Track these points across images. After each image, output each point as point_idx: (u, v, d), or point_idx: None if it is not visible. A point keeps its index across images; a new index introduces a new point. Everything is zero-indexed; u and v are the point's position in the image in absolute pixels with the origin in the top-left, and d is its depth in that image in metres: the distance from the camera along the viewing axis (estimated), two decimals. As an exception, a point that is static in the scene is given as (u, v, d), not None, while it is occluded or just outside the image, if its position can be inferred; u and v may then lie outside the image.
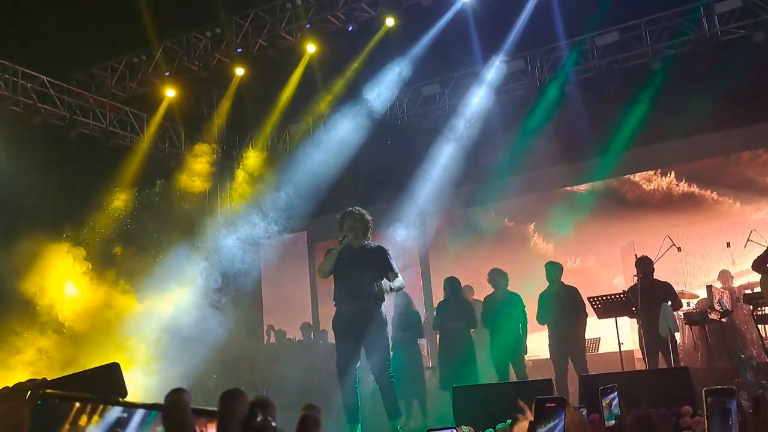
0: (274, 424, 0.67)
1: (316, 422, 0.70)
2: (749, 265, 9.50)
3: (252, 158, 11.93)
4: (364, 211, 6.02)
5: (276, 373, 9.05)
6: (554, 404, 1.90)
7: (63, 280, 9.62)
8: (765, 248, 6.41)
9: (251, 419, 0.65)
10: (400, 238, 10.40)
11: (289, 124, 11.84)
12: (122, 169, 11.33)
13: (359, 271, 5.82)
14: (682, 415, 4.74)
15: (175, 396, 0.64)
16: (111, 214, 10.85)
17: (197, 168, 11.61)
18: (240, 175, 11.88)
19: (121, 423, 0.65)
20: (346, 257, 5.88)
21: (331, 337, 10.44)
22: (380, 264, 5.87)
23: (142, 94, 11.56)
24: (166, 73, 11.18)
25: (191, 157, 11.95)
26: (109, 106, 11.23)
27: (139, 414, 0.66)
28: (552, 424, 1.89)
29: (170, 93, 11.47)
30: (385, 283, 5.94)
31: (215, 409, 0.65)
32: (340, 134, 10.93)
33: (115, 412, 0.65)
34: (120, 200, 11.11)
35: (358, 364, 5.85)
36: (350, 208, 6.05)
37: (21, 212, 9.04)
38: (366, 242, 5.93)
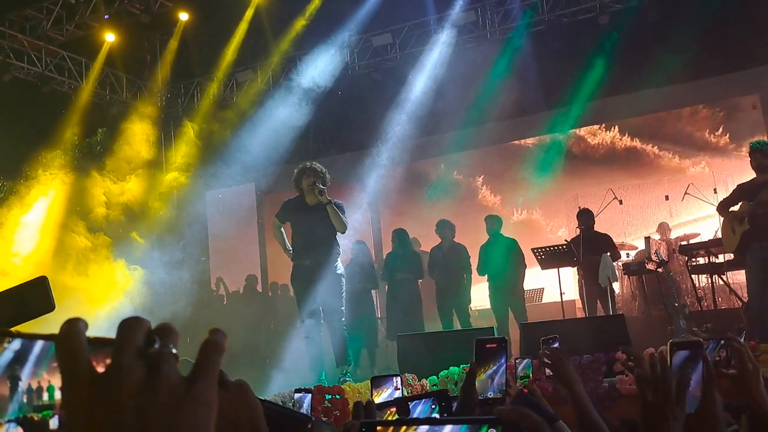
0: (174, 351, 0.62)
1: (217, 347, 0.64)
2: (686, 218, 9.92)
3: (198, 107, 11.62)
4: (321, 167, 6.06)
5: (222, 326, 9.04)
6: (494, 344, 1.94)
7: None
8: (732, 193, 6.55)
9: (149, 346, 0.61)
10: (351, 190, 10.38)
11: (237, 72, 11.53)
12: (61, 116, 10.91)
13: (316, 226, 5.93)
14: (616, 360, 4.98)
15: (69, 325, 0.60)
16: (50, 163, 10.47)
17: (141, 116, 11.24)
18: (185, 124, 11.58)
19: (19, 358, 0.61)
20: (302, 212, 6.00)
21: (282, 289, 10.56)
22: (339, 221, 5.98)
23: (80, 37, 11.03)
24: (105, 16, 10.68)
25: (134, 105, 11.57)
26: (46, 49, 10.71)
27: (38, 346, 0.61)
28: (494, 367, 1.93)
29: (110, 37, 10.98)
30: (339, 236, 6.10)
31: (113, 338, 0.60)
32: (290, 84, 10.73)
33: (13, 345, 0.61)
34: (60, 148, 10.73)
35: (322, 315, 6.01)
36: (309, 164, 6.09)
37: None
38: (322, 198, 5.98)
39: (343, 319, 6.08)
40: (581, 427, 2.04)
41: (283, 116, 10.39)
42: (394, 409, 1.97)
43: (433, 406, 1.99)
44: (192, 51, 11.56)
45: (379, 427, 0.79)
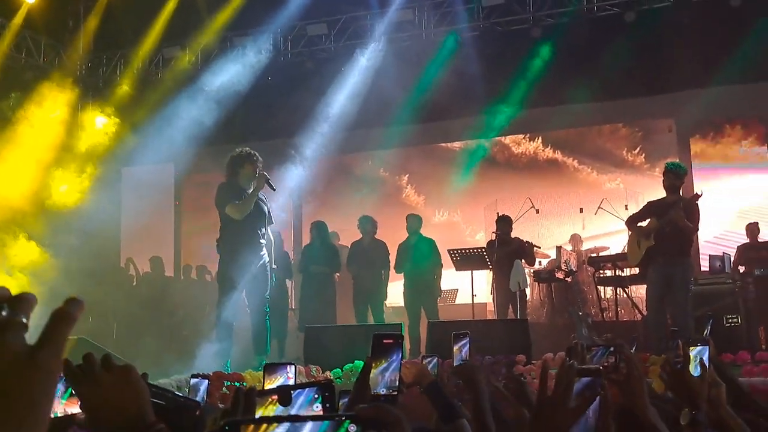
0: (24, 320, 0.63)
1: (67, 317, 0.65)
2: (598, 231, 10.29)
3: (120, 80, 11.16)
4: (258, 154, 5.97)
5: (128, 307, 8.81)
6: (391, 340, 1.93)
7: None
8: (641, 209, 6.84)
9: None
10: (273, 178, 10.21)
11: (165, 48, 11.13)
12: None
13: (254, 217, 5.91)
14: (516, 363, 5.10)
15: None
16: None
17: (57, 84, 10.67)
18: (105, 96, 11.09)
19: None
20: (239, 198, 5.93)
21: (197, 270, 10.32)
22: (268, 212, 6.09)
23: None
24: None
25: (52, 72, 10.98)
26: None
27: None
28: (389, 361, 1.92)
29: (29, -2, 10.38)
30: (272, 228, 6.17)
31: None
32: (219, 65, 10.46)
33: None
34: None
35: (246, 302, 6.06)
36: (248, 150, 6.00)
37: None
38: (271, 186, 6.01)
39: (268, 308, 6.03)
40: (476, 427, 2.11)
41: (208, 97, 10.11)
42: (275, 397, 1.92)
43: (316, 396, 1.94)
44: (119, 20, 11.07)
45: (243, 426, 0.78)
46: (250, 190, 5.85)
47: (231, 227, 5.95)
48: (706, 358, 2.17)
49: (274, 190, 5.98)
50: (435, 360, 3.15)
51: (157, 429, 1.12)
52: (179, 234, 12.19)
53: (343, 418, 0.75)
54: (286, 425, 0.75)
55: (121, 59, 11.54)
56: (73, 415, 1.35)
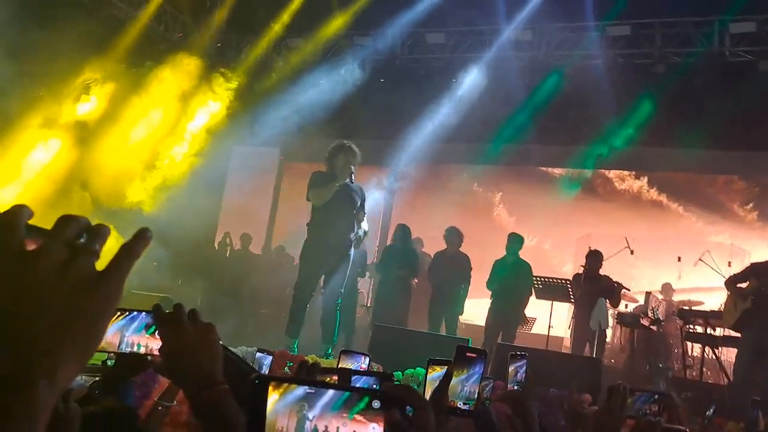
0: (98, 248, 0.68)
1: (132, 252, 0.70)
2: (693, 284, 9.77)
3: (243, 62, 11.68)
4: (356, 148, 6.10)
5: (215, 277, 9.17)
6: (475, 354, 1.96)
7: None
8: (743, 270, 6.55)
9: (76, 239, 0.67)
10: (372, 174, 10.40)
11: (289, 38, 11.56)
12: (113, 40, 10.98)
13: (341, 205, 6.03)
14: (582, 402, 4.94)
15: (14, 207, 0.66)
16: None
17: (186, 60, 11.30)
18: (228, 76, 11.63)
19: None
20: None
21: (285, 256, 10.63)
22: (360, 203, 6.13)
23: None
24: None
25: (183, 47, 11.64)
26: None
27: None
28: (469, 372, 1.94)
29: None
30: (364, 224, 6.25)
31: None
32: (337, 60, 10.76)
33: None
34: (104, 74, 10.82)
35: (323, 290, 6.21)
36: (345, 142, 6.13)
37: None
38: (351, 178, 6.07)
39: (340, 300, 6.16)
40: None
41: (321, 90, 10.41)
42: (335, 377, 1.99)
43: (374, 385, 2.00)
44: (253, 5, 11.58)
45: (272, 383, 0.84)
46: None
47: (317, 212, 6.15)
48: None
49: (352, 183, 6.04)
50: (491, 384, 3.10)
51: (221, 388, 1.20)
52: (274, 216, 12.59)
53: (366, 392, 0.79)
54: (309, 389, 0.80)
55: (247, 43, 12.07)
56: (152, 356, 1.45)
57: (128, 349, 1.41)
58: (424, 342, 5.88)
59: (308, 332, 6.69)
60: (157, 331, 1.37)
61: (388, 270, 8.24)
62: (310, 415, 0.80)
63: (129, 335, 1.41)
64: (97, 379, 1.67)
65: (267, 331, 6.57)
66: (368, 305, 9.26)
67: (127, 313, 1.42)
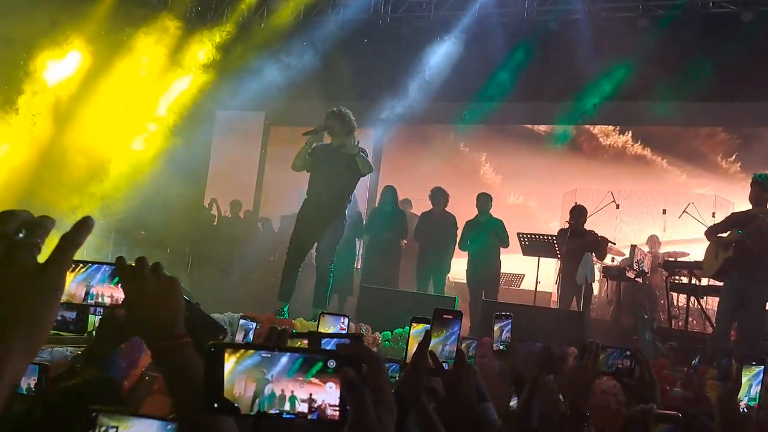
0: (39, 241, 0.70)
1: (71, 241, 0.71)
2: (679, 236, 9.89)
3: (224, 25, 11.47)
4: (347, 111, 6.09)
5: (203, 244, 9.18)
6: (451, 316, 2.01)
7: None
8: (724, 219, 6.64)
9: (15, 234, 0.69)
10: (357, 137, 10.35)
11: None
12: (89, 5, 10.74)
13: (333, 169, 6.07)
14: (567, 354, 5.05)
15: None
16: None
17: (166, 24, 11.09)
18: (208, 39, 11.44)
19: None
20: (323, 154, 6.15)
21: (267, 223, 10.65)
22: (354, 165, 6.11)
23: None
24: None
25: (162, 11, 11.40)
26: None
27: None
28: (447, 333, 1.99)
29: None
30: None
31: None
32: (318, 21, 10.60)
33: None
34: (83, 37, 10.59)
35: (314, 255, 6.27)
36: (336, 108, 6.13)
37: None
38: (346, 142, 6.06)
39: (332, 265, 6.21)
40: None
41: (304, 52, 10.29)
42: (306, 342, 2.03)
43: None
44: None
45: (228, 350, 0.85)
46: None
47: (310, 177, 6.24)
48: (759, 381, 2.08)
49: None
50: (475, 342, 3.17)
51: (183, 341, 1.23)
52: (261, 181, 12.57)
53: (322, 353, 0.82)
54: (264, 353, 0.82)
55: (228, 5, 11.84)
56: (116, 307, 1.47)
57: (94, 301, 1.42)
58: (411, 302, 5.96)
59: (303, 295, 6.75)
60: (119, 284, 1.38)
61: (377, 232, 8.29)
62: (268, 379, 0.83)
63: (95, 286, 1.42)
64: (79, 352, 1.69)
65: (256, 294, 6.63)
66: (358, 267, 9.34)
67: (90, 264, 1.42)
